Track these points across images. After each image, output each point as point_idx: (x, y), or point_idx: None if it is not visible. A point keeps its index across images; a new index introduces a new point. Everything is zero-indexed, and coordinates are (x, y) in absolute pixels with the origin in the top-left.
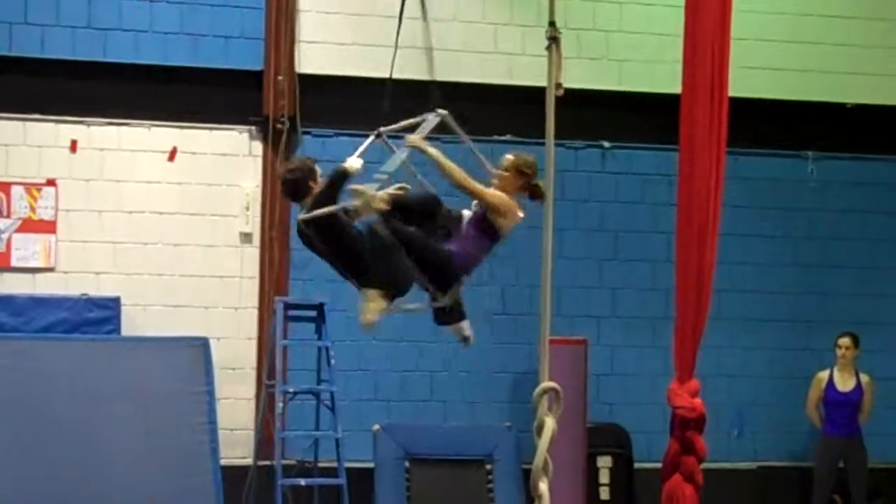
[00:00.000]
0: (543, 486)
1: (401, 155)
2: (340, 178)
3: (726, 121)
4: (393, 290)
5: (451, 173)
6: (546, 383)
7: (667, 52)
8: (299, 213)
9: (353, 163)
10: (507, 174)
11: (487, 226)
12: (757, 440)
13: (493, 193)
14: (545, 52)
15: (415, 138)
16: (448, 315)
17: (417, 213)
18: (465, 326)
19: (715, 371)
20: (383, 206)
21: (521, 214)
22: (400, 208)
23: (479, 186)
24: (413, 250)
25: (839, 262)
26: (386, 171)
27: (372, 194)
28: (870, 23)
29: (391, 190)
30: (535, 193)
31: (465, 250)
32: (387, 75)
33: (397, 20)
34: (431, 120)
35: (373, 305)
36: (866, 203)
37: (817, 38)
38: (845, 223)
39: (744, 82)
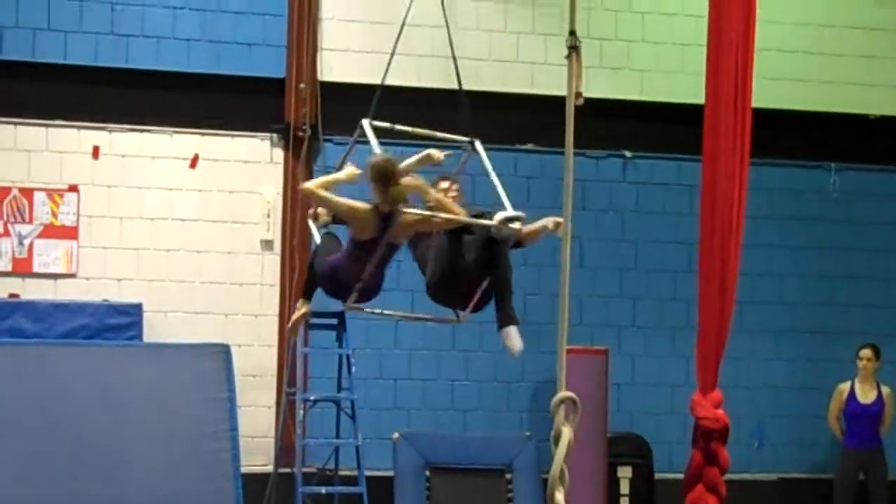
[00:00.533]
0: (560, 497)
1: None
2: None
3: (749, 131)
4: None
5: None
6: (563, 392)
7: (689, 62)
8: None
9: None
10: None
11: (352, 235)
12: (778, 452)
13: (340, 202)
14: (566, 61)
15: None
16: (498, 322)
17: None
18: (507, 334)
19: (736, 382)
20: (325, 219)
21: (408, 219)
22: (338, 220)
23: (325, 195)
24: None
25: (861, 274)
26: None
27: (313, 213)
28: (892, 34)
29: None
30: (393, 198)
31: (335, 261)
32: (408, 83)
33: (421, 28)
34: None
35: (296, 313)
36: (889, 214)
37: (840, 50)
38: (867, 234)
39: (767, 93)
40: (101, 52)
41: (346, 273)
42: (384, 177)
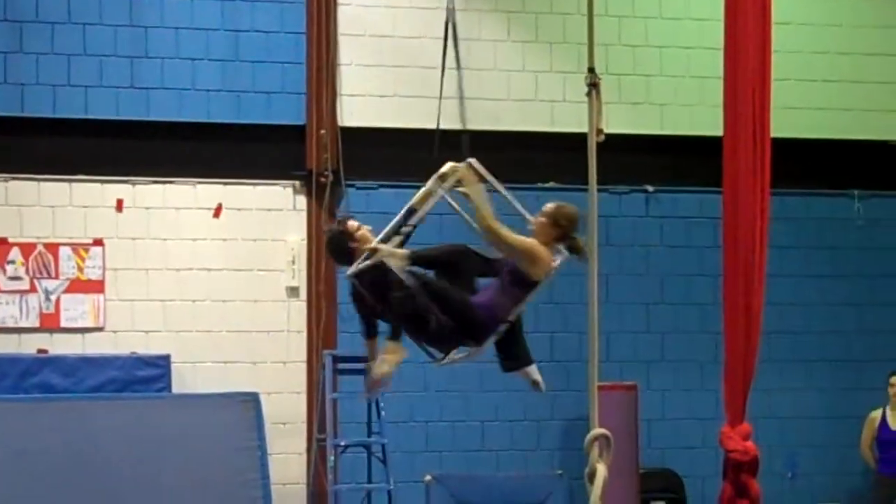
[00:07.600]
0: None
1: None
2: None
3: (769, 161)
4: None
5: (483, 216)
6: (596, 430)
7: (707, 94)
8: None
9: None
10: (543, 221)
11: (518, 274)
12: (811, 482)
13: (522, 241)
14: (585, 98)
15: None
16: (515, 361)
17: (444, 265)
18: (534, 371)
19: (767, 413)
20: (401, 263)
21: (554, 264)
22: (423, 262)
23: (507, 233)
24: (437, 302)
25: (888, 300)
26: (411, 223)
27: (390, 251)
28: None
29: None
30: (573, 248)
31: (492, 300)
32: (428, 126)
33: (439, 71)
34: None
35: (389, 357)
36: None
37: (858, 77)
38: (893, 261)
39: (786, 122)
40: (121, 106)
41: (504, 314)
42: (571, 224)
